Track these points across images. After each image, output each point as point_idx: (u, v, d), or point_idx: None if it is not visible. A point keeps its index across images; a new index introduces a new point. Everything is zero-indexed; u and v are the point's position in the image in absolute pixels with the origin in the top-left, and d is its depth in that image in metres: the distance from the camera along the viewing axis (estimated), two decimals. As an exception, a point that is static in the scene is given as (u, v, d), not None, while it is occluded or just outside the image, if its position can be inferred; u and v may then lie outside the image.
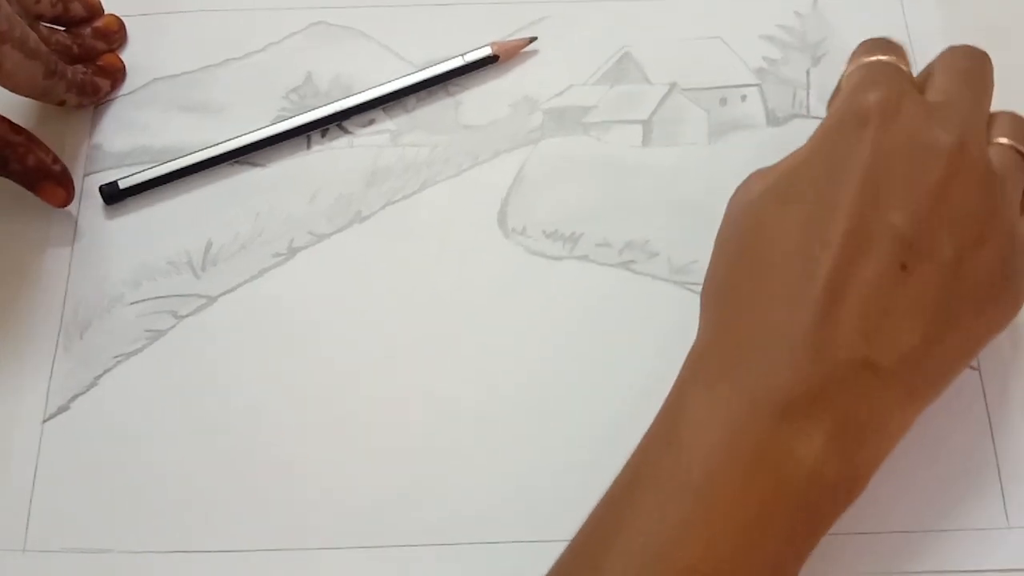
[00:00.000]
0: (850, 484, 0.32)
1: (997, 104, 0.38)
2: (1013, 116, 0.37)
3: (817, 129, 0.36)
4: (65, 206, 0.43)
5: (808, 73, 0.45)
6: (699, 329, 0.35)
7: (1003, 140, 0.36)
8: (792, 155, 0.36)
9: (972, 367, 0.39)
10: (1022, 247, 0.35)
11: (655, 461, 0.32)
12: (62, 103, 0.44)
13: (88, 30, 0.46)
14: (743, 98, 0.45)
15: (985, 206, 0.34)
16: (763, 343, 0.32)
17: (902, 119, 0.34)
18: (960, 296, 0.33)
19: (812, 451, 0.31)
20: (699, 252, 0.41)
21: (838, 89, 0.39)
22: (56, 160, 0.42)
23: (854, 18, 0.46)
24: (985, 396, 0.39)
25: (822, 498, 0.31)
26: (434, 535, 0.38)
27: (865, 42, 0.38)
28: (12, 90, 0.41)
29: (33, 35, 0.40)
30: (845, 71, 0.38)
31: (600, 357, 0.40)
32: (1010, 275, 0.35)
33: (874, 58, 0.37)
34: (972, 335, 0.34)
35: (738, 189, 0.37)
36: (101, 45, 0.46)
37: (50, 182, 0.42)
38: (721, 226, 0.37)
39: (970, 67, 0.37)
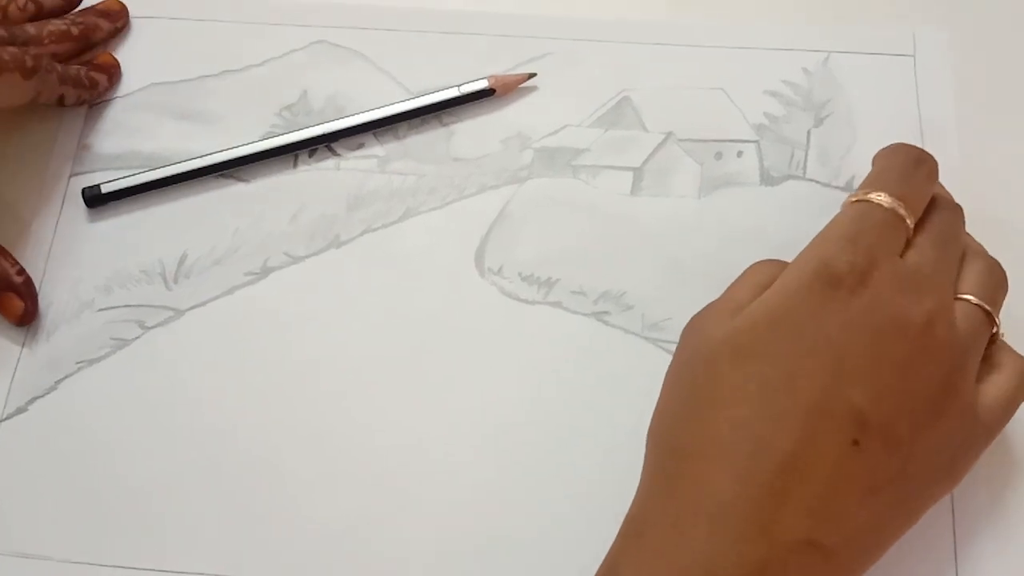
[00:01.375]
0: None
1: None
2: (985, 267, 0.36)
3: (788, 276, 0.34)
4: (24, 323, 0.41)
5: (809, 134, 0.44)
6: (641, 479, 0.34)
7: (970, 298, 0.35)
8: (758, 304, 0.34)
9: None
10: (972, 422, 0.34)
11: None
12: (61, 99, 0.44)
13: (90, 10, 0.46)
14: (739, 154, 0.44)
15: (945, 384, 0.33)
16: (705, 518, 0.31)
17: (872, 290, 0.33)
18: (909, 473, 0.32)
19: None
20: (674, 310, 0.41)
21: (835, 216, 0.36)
22: (21, 272, 0.41)
23: (865, 79, 0.45)
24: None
25: None
26: (386, 565, 0.37)
27: (899, 161, 0.36)
28: (5, 105, 0.41)
29: None
30: (861, 186, 0.36)
31: (563, 407, 0.40)
32: (957, 453, 0.34)
33: (883, 201, 0.35)
34: (917, 507, 0.34)
35: (697, 319, 0.35)
36: (104, 23, 0.46)
37: (9, 293, 0.41)
38: (675, 358, 0.35)
39: (949, 226, 0.36)
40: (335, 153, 0.45)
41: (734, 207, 0.43)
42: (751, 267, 0.36)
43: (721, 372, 0.33)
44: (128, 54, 0.47)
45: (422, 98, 0.45)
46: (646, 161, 0.44)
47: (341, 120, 0.44)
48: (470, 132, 0.45)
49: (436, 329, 0.41)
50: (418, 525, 0.38)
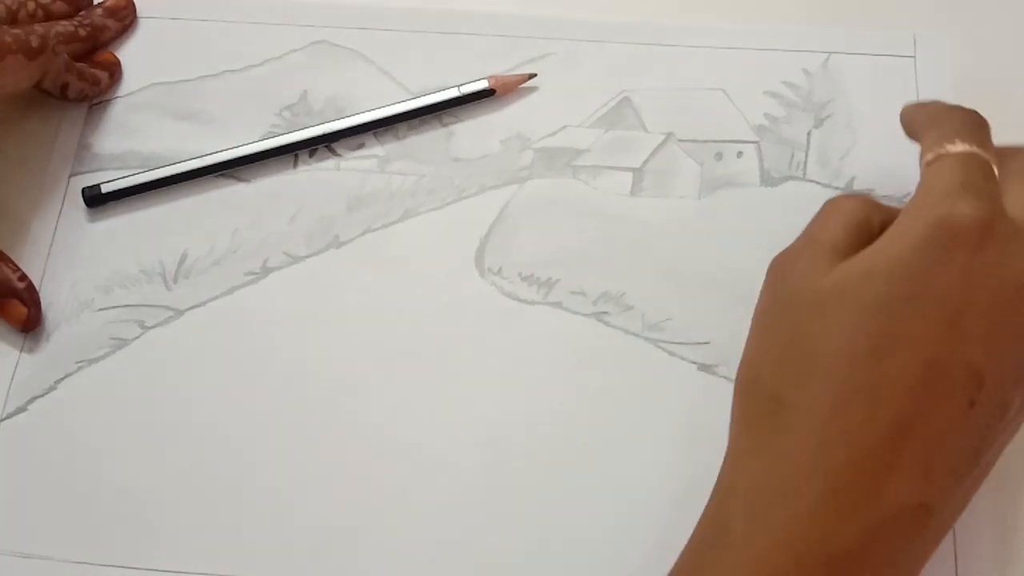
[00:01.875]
0: None
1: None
2: None
3: (902, 227, 0.32)
4: (28, 329, 0.41)
5: (809, 135, 0.44)
6: (733, 429, 0.33)
7: None
8: (872, 253, 0.32)
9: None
10: None
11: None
12: (65, 89, 0.44)
13: (98, 11, 0.46)
14: (739, 154, 0.44)
15: None
16: (816, 481, 0.30)
17: (995, 246, 0.31)
18: (1005, 437, 0.32)
19: None
20: (674, 310, 0.41)
21: (924, 174, 0.34)
22: (23, 277, 0.41)
23: (865, 81, 0.45)
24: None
25: None
26: (385, 565, 0.37)
27: (951, 112, 0.35)
28: (11, 89, 0.41)
29: None
30: (924, 151, 0.34)
31: (563, 408, 0.39)
32: None
33: (967, 149, 0.33)
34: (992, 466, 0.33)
35: (786, 261, 0.34)
36: (112, 23, 0.46)
37: (13, 300, 0.41)
38: (765, 300, 0.34)
39: None
40: (335, 153, 0.45)
41: (734, 208, 0.43)
42: (831, 203, 0.35)
43: (830, 321, 0.31)
44: (128, 54, 0.47)
45: (422, 98, 0.45)
46: (646, 162, 0.44)
47: (341, 120, 0.44)
48: (470, 132, 0.45)
49: (436, 329, 0.41)
50: (418, 525, 0.38)
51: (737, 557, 0.30)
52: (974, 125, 0.34)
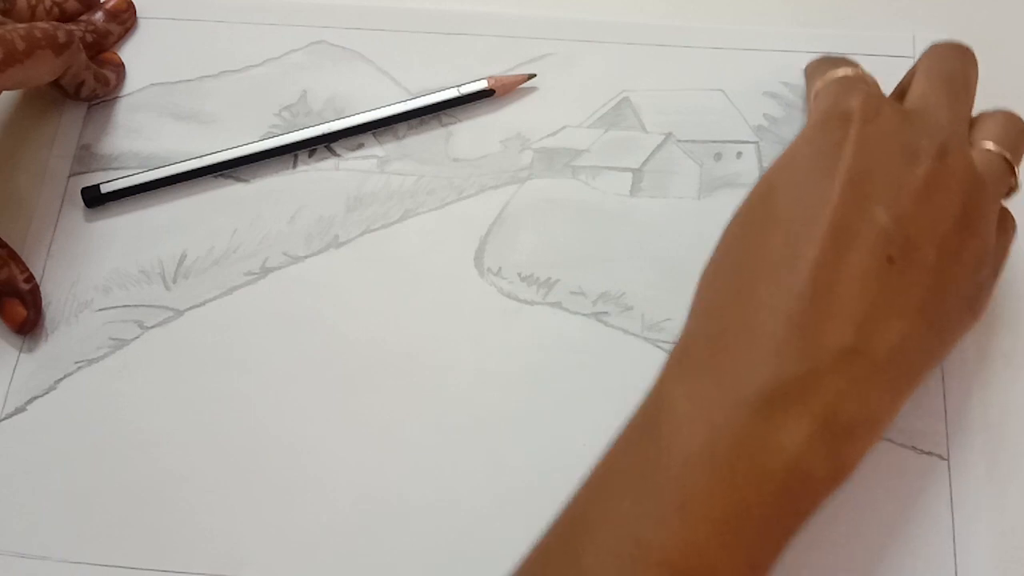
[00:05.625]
0: (833, 475, 0.31)
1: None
2: (1003, 118, 0.37)
3: (801, 131, 0.36)
4: (23, 332, 0.41)
5: (808, 135, 0.44)
6: (688, 318, 0.35)
7: (989, 146, 0.36)
8: (787, 149, 0.36)
9: (941, 457, 0.38)
10: (991, 258, 0.35)
11: (634, 454, 0.32)
12: (79, 88, 0.44)
13: (99, 14, 0.46)
14: (738, 155, 0.44)
15: (965, 215, 0.34)
16: (748, 335, 0.32)
17: (883, 120, 0.35)
18: (941, 298, 0.33)
19: (795, 443, 0.30)
20: (674, 311, 0.41)
21: (812, 102, 0.39)
22: (29, 279, 0.41)
23: (864, 81, 0.45)
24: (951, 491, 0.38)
25: (803, 490, 0.31)
26: (385, 565, 0.37)
27: (824, 60, 0.40)
28: (36, 83, 0.41)
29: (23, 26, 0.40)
30: (811, 88, 0.40)
31: (561, 408, 0.39)
32: (989, 277, 0.35)
33: (846, 71, 0.38)
34: (949, 332, 0.35)
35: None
36: (115, 27, 0.46)
37: (14, 300, 0.41)
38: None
39: (951, 69, 0.38)
40: (334, 153, 0.45)
41: (734, 208, 0.42)
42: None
43: (755, 215, 0.35)
44: (128, 54, 0.47)
45: (421, 98, 0.45)
46: (645, 162, 0.44)
47: (340, 120, 0.44)
48: (469, 133, 0.45)
49: (435, 330, 0.41)
50: (417, 525, 0.38)
51: (678, 426, 0.31)
52: (851, 61, 0.39)
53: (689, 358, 0.33)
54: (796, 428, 0.30)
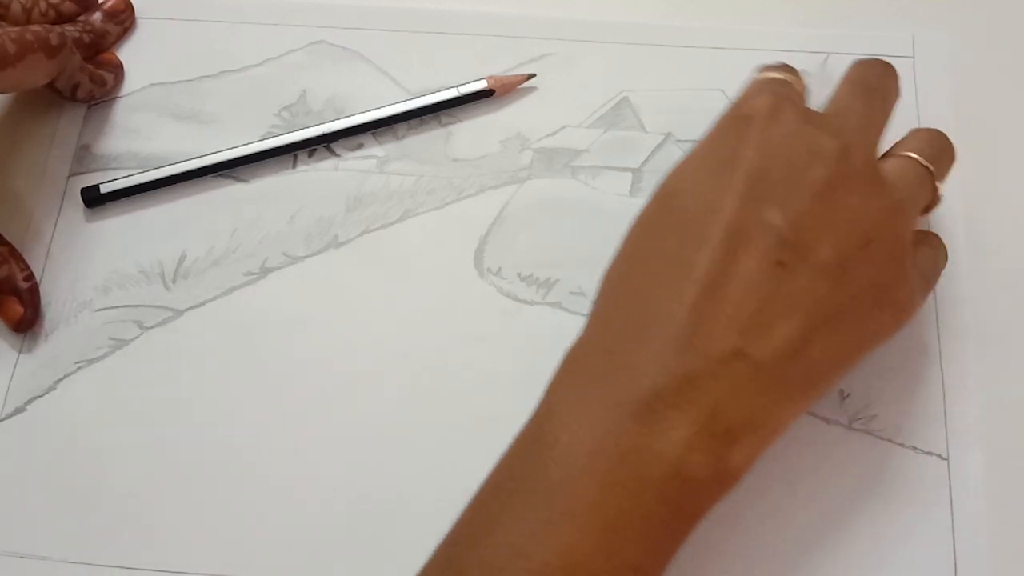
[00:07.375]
0: (718, 479, 0.31)
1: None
2: (927, 133, 0.38)
3: (705, 132, 0.36)
4: (20, 330, 0.41)
5: (808, 135, 0.44)
6: (585, 323, 0.35)
7: (909, 154, 0.36)
8: (686, 154, 0.36)
9: (941, 457, 0.38)
10: (911, 255, 0.35)
11: (522, 460, 0.32)
12: (75, 90, 0.44)
13: (97, 15, 0.46)
14: (738, 155, 0.43)
15: (869, 210, 0.34)
16: (637, 341, 0.32)
17: (784, 121, 0.35)
18: (841, 298, 0.33)
19: (674, 448, 0.30)
20: (674, 310, 0.40)
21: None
22: (29, 278, 0.41)
23: (863, 81, 0.45)
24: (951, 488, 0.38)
25: (685, 495, 0.31)
26: (384, 565, 0.37)
27: (768, 65, 0.40)
28: (29, 86, 0.41)
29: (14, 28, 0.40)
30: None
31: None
32: (900, 280, 0.34)
33: (767, 74, 0.38)
34: (856, 338, 0.34)
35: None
36: (113, 28, 0.46)
37: (11, 298, 0.41)
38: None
39: (869, 80, 0.38)
40: (334, 153, 0.45)
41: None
42: None
43: (651, 218, 0.35)
44: (127, 55, 0.47)
45: (421, 98, 0.45)
46: (645, 162, 0.44)
47: (340, 120, 0.44)
48: (469, 133, 0.45)
49: (435, 330, 0.41)
50: (417, 525, 0.38)
51: (560, 435, 0.31)
52: (787, 66, 0.39)
53: (578, 365, 0.33)
54: (675, 433, 0.30)
